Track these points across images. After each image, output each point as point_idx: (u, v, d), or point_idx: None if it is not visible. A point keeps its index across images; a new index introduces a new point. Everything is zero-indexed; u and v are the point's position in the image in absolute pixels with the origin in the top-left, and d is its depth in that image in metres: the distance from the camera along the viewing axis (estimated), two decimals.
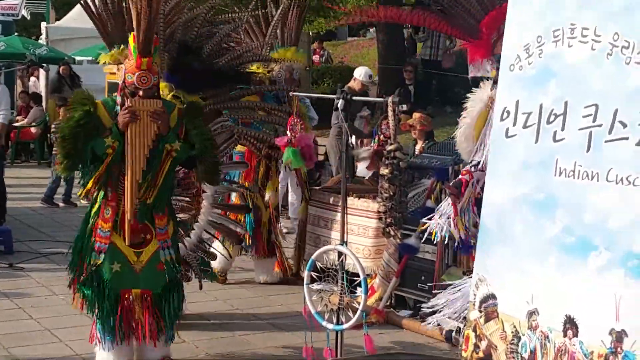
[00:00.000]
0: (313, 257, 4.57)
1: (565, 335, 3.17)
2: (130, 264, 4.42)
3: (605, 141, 3.10)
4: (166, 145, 4.32)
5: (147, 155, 4.32)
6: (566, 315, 3.16)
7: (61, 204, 10.09)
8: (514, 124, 3.49)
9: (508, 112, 3.53)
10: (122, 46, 5.34)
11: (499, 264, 3.52)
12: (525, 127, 3.43)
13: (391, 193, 4.63)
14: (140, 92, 4.30)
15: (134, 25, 4.27)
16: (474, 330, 3.60)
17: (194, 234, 5.19)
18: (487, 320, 3.54)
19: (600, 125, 3.13)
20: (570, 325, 3.14)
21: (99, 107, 4.36)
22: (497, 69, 4.16)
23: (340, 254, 4.49)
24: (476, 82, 4.33)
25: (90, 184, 4.42)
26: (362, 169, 7.66)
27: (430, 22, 4.35)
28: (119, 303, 4.43)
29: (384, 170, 4.68)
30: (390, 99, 4.68)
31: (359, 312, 4.28)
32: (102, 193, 4.45)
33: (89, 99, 4.36)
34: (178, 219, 4.87)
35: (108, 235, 4.40)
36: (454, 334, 5.59)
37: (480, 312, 3.58)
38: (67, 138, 4.25)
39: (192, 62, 5.22)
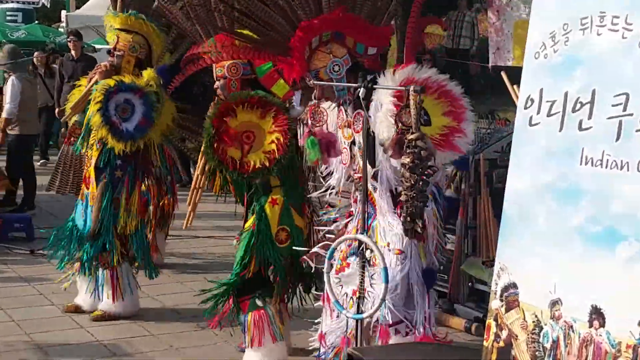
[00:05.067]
0: (333, 245, 4.55)
1: (591, 326, 3.13)
2: None
3: (637, 130, 3.05)
4: None
5: None
6: (592, 306, 3.12)
7: None
8: (538, 112, 3.45)
9: (532, 100, 3.49)
10: None
11: (521, 253, 3.49)
12: (549, 115, 3.39)
13: (412, 182, 4.59)
14: None
15: None
16: (495, 320, 3.58)
17: None
18: (508, 309, 3.52)
19: (631, 115, 3.07)
20: (597, 315, 3.11)
21: None
22: (315, 84, 4.02)
23: (360, 242, 4.47)
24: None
25: None
26: None
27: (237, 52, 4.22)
28: None
29: (405, 160, 4.64)
30: (411, 88, 4.63)
31: (379, 301, 4.26)
32: None
33: None
34: None
35: None
36: (473, 324, 5.60)
37: (502, 301, 3.55)
38: None
39: None
